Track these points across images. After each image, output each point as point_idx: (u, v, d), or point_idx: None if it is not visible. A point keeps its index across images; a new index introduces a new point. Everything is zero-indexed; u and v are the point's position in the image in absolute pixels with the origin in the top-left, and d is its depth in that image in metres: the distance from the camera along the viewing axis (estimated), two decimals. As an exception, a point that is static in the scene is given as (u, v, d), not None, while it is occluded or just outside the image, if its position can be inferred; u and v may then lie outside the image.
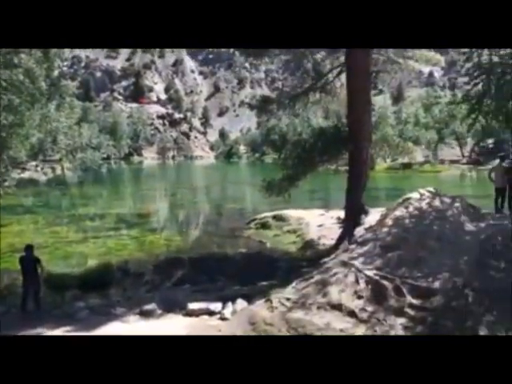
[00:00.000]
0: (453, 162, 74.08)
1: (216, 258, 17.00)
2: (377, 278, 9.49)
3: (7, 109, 16.96)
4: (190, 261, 16.47)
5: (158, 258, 17.09)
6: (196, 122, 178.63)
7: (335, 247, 14.90)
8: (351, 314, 8.86)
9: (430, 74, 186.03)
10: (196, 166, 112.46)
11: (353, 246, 11.59)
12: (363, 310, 8.91)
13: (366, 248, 10.88)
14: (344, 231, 15.34)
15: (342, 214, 19.64)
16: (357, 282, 9.62)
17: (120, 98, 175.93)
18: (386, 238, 10.94)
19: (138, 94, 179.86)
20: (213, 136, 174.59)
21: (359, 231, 14.28)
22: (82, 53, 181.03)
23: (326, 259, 14.20)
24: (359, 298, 9.28)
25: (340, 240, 15.12)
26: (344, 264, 10.40)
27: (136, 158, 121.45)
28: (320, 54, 16.49)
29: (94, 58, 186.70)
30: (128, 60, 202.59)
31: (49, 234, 22.41)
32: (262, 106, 17.17)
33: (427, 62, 16.53)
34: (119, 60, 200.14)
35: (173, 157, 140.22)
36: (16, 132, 18.00)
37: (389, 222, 11.71)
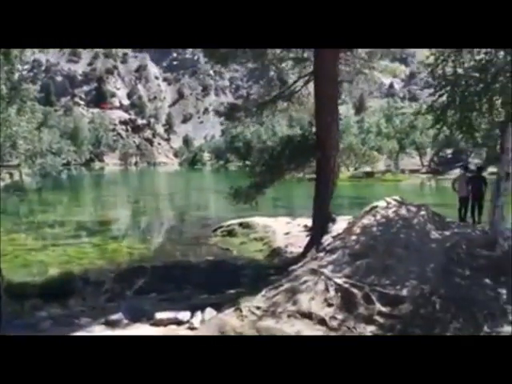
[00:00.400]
0: (413, 171, 76.12)
1: (181, 266, 16.75)
2: (346, 285, 9.54)
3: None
4: (154, 269, 16.17)
5: (120, 266, 16.70)
6: (160, 129, 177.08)
7: (303, 255, 14.92)
8: (321, 322, 8.87)
9: (391, 86, 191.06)
10: (159, 172, 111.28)
11: (321, 254, 11.63)
12: (333, 317, 8.93)
13: (334, 256, 10.93)
14: (311, 239, 15.39)
15: (308, 221, 19.75)
16: (327, 289, 9.65)
17: (81, 102, 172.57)
18: (355, 246, 11.03)
19: (99, 99, 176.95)
20: (177, 143, 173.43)
21: (327, 239, 14.36)
22: (43, 56, 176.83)
23: (294, 267, 14.26)
24: (329, 305, 9.30)
25: (308, 248, 15.16)
26: (313, 272, 10.41)
27: (97, 164, 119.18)
28: (286, 63, 16.58)
29: (55, 62, 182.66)
30: (90, 64, 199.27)
31: (7, 241, 21.54)
32: (230, 113, 17.10)
33: (391, 73, 16.90)
34: (81, 64, 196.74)
35: (135, 163, 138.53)
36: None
37: (357, 230, 11.81)
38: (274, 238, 18.86)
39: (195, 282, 14.51)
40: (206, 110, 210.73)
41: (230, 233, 21.53)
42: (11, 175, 69.85)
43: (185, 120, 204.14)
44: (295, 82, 16.39)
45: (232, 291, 13.32)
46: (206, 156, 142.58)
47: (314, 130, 16.26)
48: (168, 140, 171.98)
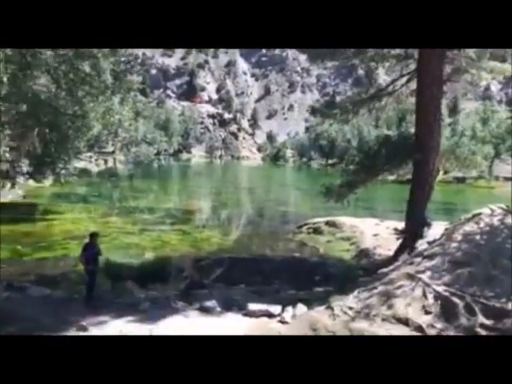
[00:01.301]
0: (508, 178, 71.24)
1: (268, 260, 16.90)
2: (446, 294, 9.13)
3: (73, 100, 17.43)
4: (242, 261, 16.43)
5: (211, 255, 17.15)
6: (245, 123, 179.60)
7: (394, 258, 14.50)
8: (419, 329, 8.56)
9: (487, 88, 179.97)
10: (242, 166, 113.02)
11: (418, 259, 11.23)
12: (431, 326, 8.59)
13: (433, 262, 10.51)
14: (404, 243, 14.90)
15: (398, 224, 19.19)
16: (425, 296, 9.30)
17: (173, 95, 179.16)
18: (456, 254, 10.54)
19: (190, 92, 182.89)
20: (260, 138, 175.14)
21: (421, 244, 13.85)
22: (139, 50, 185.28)
23: (385, 270, 13.90)
24: (427, 313, 8.96)
25: (399, 251, 14.69)
26: (410, 277, 10.08)
27: (185, 155, 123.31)
28: (390, 61, 16.09)
29: (151, 56, 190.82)
30: (183, 59, 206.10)
31: (104, 223, 22.95)
32: (326, 111, 16.94)
33: (500, 73, 15.89)
34: (174, 59, 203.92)
35: (220, 156, 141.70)
36: (80, 123, 18.45)
37: (458, 236, 11.28)
38: (362, 238, 18.50)
39: (283, 276, 14.57)
40: (291, 107, 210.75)
41: (316, 230, 21.42)
42: (106, 162, 74.35)
43: (270, 116, 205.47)
44: (395, 80, 15.87)
45: (320, 289, 13.25)
46: (289, 152, 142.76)
47: (412, 130, 15.72)
48: (252, 135, 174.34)
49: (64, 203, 30.11)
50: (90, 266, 10.67)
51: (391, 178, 18.08)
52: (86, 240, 11.15)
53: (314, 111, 17.34)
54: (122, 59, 18.96)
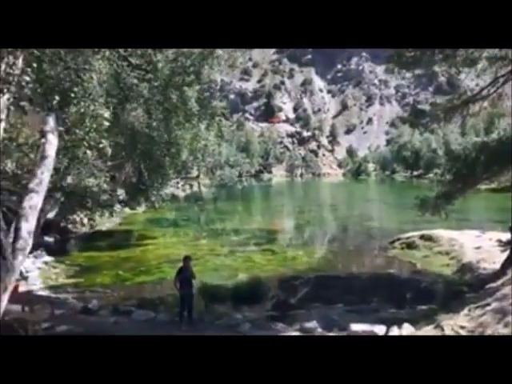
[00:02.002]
0: None
1: (363, 278, 16.40)
2: None
3: (165, 129, 18.13)
4: (336, 279, 16.08)
5: (303, 274, 16.95)
6: (324, 140, 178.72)
7: (502, 272, 13.49)
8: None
9: None
10: (324, 183, 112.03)
11: (534, 273, 10.35)
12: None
13: (552, 275, 9.62)
14: (511, 255, 13.83)
15: (501, 235, 17.92)
16: (546, 313, 8.48)
17: (251, 118, 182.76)
18: None
19: (268, 113, 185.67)
20: (340, 153, 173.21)
21: (532, 256, 12.80)
22: (217, 76, 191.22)
23: (492, 285, 12.96)
24: (551, 331, 8.15)
25: (507, 264, 13.65)
26: (528, 292, 9.28)
27: (266, 176, 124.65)
28: (482, 64, 15.21)
29: (228, 81, 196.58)
30: (259, 81, 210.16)
31: (195, 246, 23.55)
32: (415, 120, 16.32)
33: None
34: (251, 82, 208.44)
35: (301, 174, 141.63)
36: (171, 150, 19.16)
37: None
38: (462, 252, 17.44)
39: (380, 294, 14.03)
40: (369, 120, 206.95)
41: (410, 245, 20.55)
42: (191, 186, 76.77)
43: (348, 131, 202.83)
44: (490, 83, 14.95)
45: (423, 307, 12.58)
46: (371, 166, 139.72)
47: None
48: (332, 151, 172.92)
49: (156, 228, 31.41)
50: (185, 290, 10.86)
51: (484, 187, 17.00)
52: (180, 263, 11.41)
53: (403, 120, 16.75)
54: (205, 86, 19.54)
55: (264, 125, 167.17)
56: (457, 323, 9.25)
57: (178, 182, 35.89)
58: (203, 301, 13.13)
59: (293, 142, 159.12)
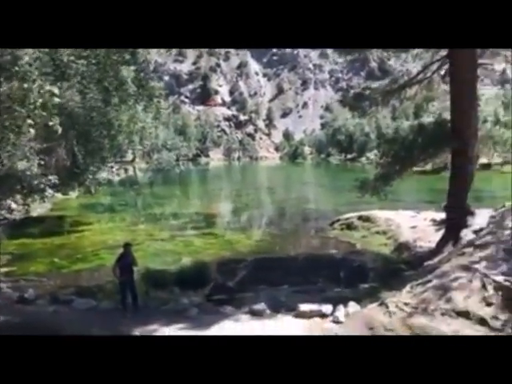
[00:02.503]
0: (534, 162, 69.91)
1: (306, 259, 16.65)
2: (507, 283, 8.74)
3: (100, 109, 17.32)
4: (280, 261, 16.21)
5: (247, 257, 16.94)
6: (260, 124, 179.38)
7: (438, 250, 14.12)
8: (482, 322, 8.21)
9: (503, 72, 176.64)
10: (261, 166, 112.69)
11: (469, 250, 10.85)
12: (495, 318, 8.22)
13: (487, 252, 10.12)
14: (446, 233, 14.49)
15: (435, 215, 18.74)
16: (484, 287, 8.92)
17: (187, 101, 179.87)
18: (511, 242, 10.13)
19: (204, 96, 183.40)
20: (277, 137, 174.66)
21: (466, 234, 13.45)
22: (152, 57, 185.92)
23: (429, 262, 13.53)
24: (488, 305, 8.58)
25: (442, 243, 14.30)
26: (466, 268, 9.71)
27: (203, 159, 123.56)
28: (417, 50, 15.65)
29: (163, 62, 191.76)
30: (194, 63, 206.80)
31: (136, 231, 22.94)
32: (355, 103, 16.61)
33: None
34: (186, 64, 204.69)
35: (238, 158, 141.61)
36: (109, 132, 18.40)
37: (509, 224, 10.86)
38: (399, 231, 18.08)
39: (324, 275, 14.29)
40: (305, 104, 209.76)
41: (349, 226, 21.06)
42: (126, 170, 74.65)
43: (284, 114, 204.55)
44: (426, 67, 15.45)
45: (366, 285, 12.96)
46: (307, 150, 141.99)
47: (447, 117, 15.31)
48: (269, 135, 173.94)
49: (91, 214, 30.31)
50: (125, 277, 10.52)
51: (415, 168, 17.59)
52: (119, 250, 11.05)
53: (343, 104, 17.02)
54: (141, 66, 18.80)
55: (200, 108, 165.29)
56: (400, 300, 9.55)
57: (112, 167, 34.53)
58: (145, 287, 12.81)
59: (230, 126, 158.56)
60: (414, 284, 10.07)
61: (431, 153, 15.07)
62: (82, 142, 19.37)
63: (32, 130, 7.03)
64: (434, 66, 15.43)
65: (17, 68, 6.73)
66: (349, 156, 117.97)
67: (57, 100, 6.82)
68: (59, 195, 30.68)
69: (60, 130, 7.47)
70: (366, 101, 16.62)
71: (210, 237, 21.30)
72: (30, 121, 6.67)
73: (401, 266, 14.38)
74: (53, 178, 20.38)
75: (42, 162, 16.29)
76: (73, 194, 31.78)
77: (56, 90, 6.85)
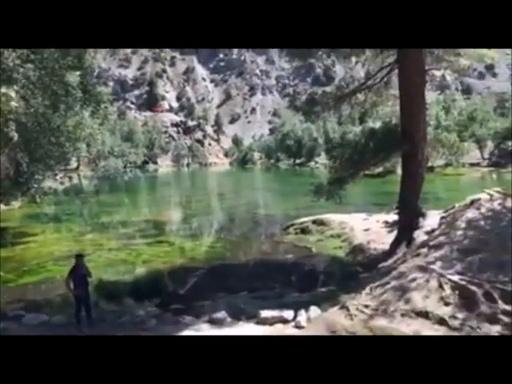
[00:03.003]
0: (473, 164, 73.33)
1: (263, 264, 16.58)
2: (463, 283, 8.99)
3: (42, 116, 16.67)
4: (238, 267, 16.07)
5: (202, 264, 16.68)
6: (209, 130, 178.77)
7: (392, 252, 14.41)
8: (441, 321, 8.38)
9: (443, 77, 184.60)
10: (211, 172, 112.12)
11: (424, 250, 11.10)
12: (453, 317, 8.41)
13: (442, 252, 10.39)
14: (399, 235, 14.82)
15: (387, 217, 19.18)
16: (441, 287, 9.13)
17: (133, 107, 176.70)
18: (463, 241, 10.45)
19: (150, 102, 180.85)
20: (226, 143, 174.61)
21: (418, 235, 13.79)
22: (95, 62, 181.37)
23: (384, 264, 13.78)
24: (446, 304, 8.78)
25: (396, 244, 14.61)
26: (422, 269, 9.91)
27: (151, 166, 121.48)
28: (366, 54, 16.02)
29: (107, 68, 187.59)
30: (139, 69, 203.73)
31: (84, 241, 22.14)
32: (307, 108, 16.75)
33: (479, 59, 16.03)
34: (131, 69, 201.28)
35: (187, 164, 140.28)
36: (58, 139, 17.74)
37: (461, 224, 11.21)
38: (353, 234, 18.37)
39: (282, 280, 14.28)
40: (253, 110, 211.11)
41: (304, 230, 21.21)
42: (70, 178, 72.18)
43: (233, 120, 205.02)
44: (377, 72, 15.81)
45: (323, 289, 13.01)
46: (256, 155, 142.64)
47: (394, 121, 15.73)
48: (218, 140, 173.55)
49: (36, 224, 29.03)
50: (79, 290, 10.06)
51: (368, 172, 17.99)
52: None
53: (296, 109, 17.13)
54: (86, 71, 18.23)
55: (147, 114, 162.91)
56: (360, 302, 9.62)
57: (55, 174, 33.41)
58: (98, 299, 12.31)
59: (178, 132, 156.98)
60: (373, 286, 10.18)
61: (382, 157, 15.38)
62: (26, 149, 18.54)
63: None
64: (383, 72, 15.79)
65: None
66: (298, 161, 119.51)
67: (13, 104, 6.41)
68: (1, 206, 29.28)
69: (16, 136, 7.04)
70: (318, 106, 16.78)
71: (163, 245, 20.86)
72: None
73: (357, 269, 14.56)
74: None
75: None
76: (15, 204, 30.44)
77: (13, 94, 6.44)
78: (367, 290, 10.21)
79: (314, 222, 21.32)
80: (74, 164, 71.57)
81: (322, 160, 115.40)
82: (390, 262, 13.49)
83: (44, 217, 34.18)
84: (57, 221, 32.38)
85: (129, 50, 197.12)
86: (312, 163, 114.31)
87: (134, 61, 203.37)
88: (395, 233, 15.73)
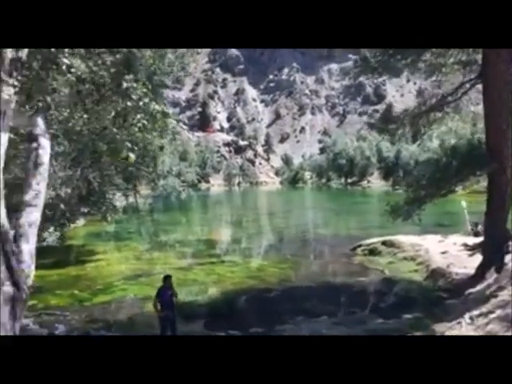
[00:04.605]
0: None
1: (337, 287, 16.01)
2: None
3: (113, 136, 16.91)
4: (310, 289, 15.58)
5: (273, 285, 16.30)
6: (259, 149, 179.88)
7: (479, 277, 13.51)
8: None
9: None
10: (262, 191, 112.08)
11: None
12: None
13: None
14: (486, 259, 13.90)
15: (466, 239, 18.24)
16: (556, 317, 8.36)
17: (185, 127, 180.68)
18: None
19: (202, 123, 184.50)
20: (275, 162, 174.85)
21: (509, 259, 12.89)
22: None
23: (471, 290, 12.92)
24: None
25: (483, 269, 13.69)
26: (530, 297, 9.16)
27: (203, 185, 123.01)
28: (450, 68, 15.38)
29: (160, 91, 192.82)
30: (192, 91, 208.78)
31: (152, 261, 22.26)
32: (382, 126, 16.25)
33: None
34: (184, 91, 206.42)
35: (238, 183, 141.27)
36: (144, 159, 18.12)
37: None
38: (429, 257, 17.49)
39: (359, 303, 13.67)
40: (302, 129, 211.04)
41: (373, 251, 20.51)
42: (127, 197, 73.92)
43: (282, 139, 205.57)
44: (458, 87, 15.13)
45: (409, 316, 12.27)
46: (307, 174, 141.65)
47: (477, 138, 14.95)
48: (268, 160, 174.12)
49: (99, 242, 29.67)
50: (166, 312, 9.95)
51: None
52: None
53: (371, 127, 16.65)
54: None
55: (200, 134, 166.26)
56: (462, 333, 8.95)
57: (127, 194, 34.60)
58: (183, 321, 12.08)
59: (230, 151, 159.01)
60: (474, 315, 9.48)
61: (466, 175, 14.63)
62: (98, 169, 18.91)
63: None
64: (466, 87, 15.10)
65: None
66: (349, 180, 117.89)
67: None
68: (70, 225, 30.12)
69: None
70: (393, 123, 16.26)
71: (228, 264, 20.67)
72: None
73: (440, 294, 13.76)
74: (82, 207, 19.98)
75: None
76: (79, 223, 31.22)
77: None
78: (467, 319, 9.51)
79: (383, 243, 20.57)
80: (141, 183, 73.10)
81: (374, 179, 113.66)
82: (479, 287, 12.64)
83: (106, 235, 34.93)
84: (117, 239, 33.01)
85: (181, 73, 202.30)
86: (364, 182, 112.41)
87: (187, 82, 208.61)
88: (478, 256, 14.85)
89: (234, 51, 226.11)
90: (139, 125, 15.94)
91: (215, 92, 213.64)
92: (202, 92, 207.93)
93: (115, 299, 15.23)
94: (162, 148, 17.46)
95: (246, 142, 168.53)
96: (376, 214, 45.43)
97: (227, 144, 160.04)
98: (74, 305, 14.45)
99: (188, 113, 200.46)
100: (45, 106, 5.89)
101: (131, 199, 74.92)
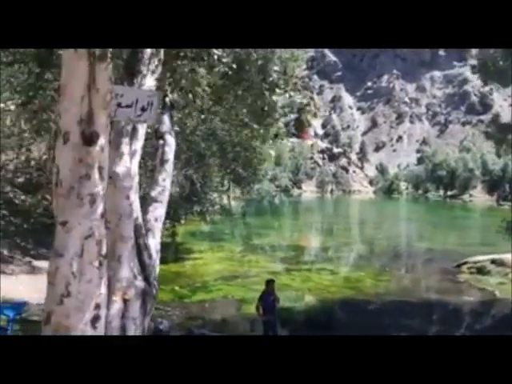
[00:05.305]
0: None
1: (442, 305, 15.09)
2: None
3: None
4: (413, 305, 14.81)
5: (372, 298, 15.71)
6: (353, 157, 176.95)
7: None
8: None
9: None
10: (355, 200, 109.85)
11: None
12: None
13: None
14: None
15: None
16: None
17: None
18: None
19: (298, 129, 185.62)
20: (369, 171, 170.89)
21: None
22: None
23: None
24: None
25: None
26: None
27: (295, 191, 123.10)
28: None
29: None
30: (289, 97, 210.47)
31: (248, 263, 22.47)
32: (501, 136, 15.05)
33: None
34: (281, 97, 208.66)
35: (331, 191, 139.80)
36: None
37: None
38: (548, 280, 15.93)
39: (469, 325, 12.73)
40: (399, 138, 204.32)
41: (480, 270, 19.11)
42: (222, 199, 75.81)
43: (378, 148, 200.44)
44: None
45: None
46: (403, 185, 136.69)
47: None
48: (362, 168, 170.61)
49: (196, 241, 30.57)
50: (268, 317, 9.91)
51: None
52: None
53: (487, 136, 15.52)
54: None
55: (294, 140, 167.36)
56: None
57: (228, 196, 35.82)
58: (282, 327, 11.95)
59: (323, 158, 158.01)
60: None
61: None
62: (201, 170, 19.49)
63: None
64: None
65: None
66: (449, 193, 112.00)
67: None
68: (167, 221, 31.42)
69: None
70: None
71: (325, 272, 20.28)
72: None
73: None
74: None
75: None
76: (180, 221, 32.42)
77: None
78: None
79: (492, 261, 19.08)
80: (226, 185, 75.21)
81: (477, 193, 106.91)
82: None
83: (200, 234, 35.91)
84: (212, 239, 33.77)
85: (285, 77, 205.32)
86: (465, 196, 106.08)
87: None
88: None
89: (332, 57, 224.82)
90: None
91: (311, 98, 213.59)
92: (298, 98, 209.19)
93: (213, 299, 15.47)
94: (270, 153, 17.58)
95: (340, 150, 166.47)
96: (478, 229, 43.46)
97: (321, 151, 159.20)
98: (174, 301, 14.90)
99: (282, 119, 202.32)
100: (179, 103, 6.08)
101: (225, 201, 77.05)
